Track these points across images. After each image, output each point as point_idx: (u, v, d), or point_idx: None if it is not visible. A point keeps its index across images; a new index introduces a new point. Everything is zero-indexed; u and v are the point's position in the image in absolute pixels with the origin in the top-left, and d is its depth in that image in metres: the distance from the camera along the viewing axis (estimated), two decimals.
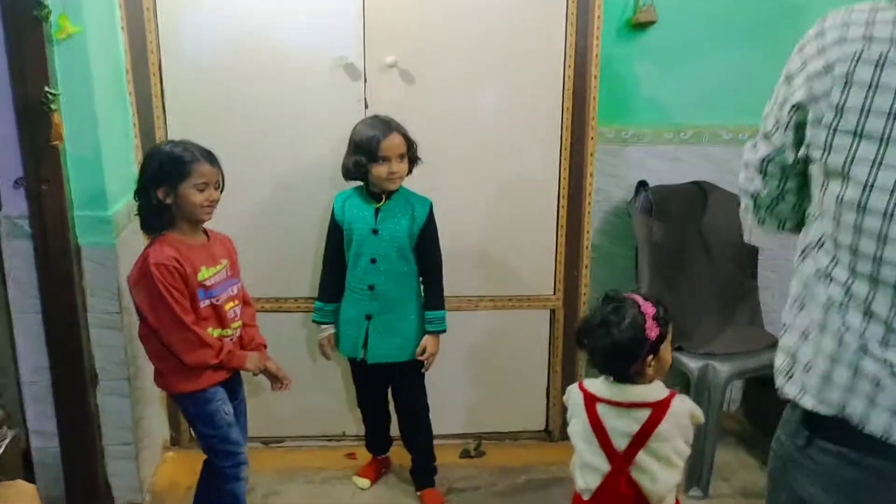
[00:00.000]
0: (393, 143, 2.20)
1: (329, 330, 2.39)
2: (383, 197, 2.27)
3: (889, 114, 0.87)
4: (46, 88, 1.95)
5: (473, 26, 2.45)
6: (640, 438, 1.67)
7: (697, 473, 2.53)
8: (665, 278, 2.66)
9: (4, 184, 2.08)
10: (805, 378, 0.99)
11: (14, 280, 2.15)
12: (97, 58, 2.11)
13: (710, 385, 2.46)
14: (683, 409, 1.71)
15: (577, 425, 1.76)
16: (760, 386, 2.75)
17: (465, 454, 2.75)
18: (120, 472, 2.37)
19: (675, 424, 1.68)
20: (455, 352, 2.65)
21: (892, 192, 0.88)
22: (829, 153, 0.93)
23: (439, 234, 2.36)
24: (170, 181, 1.90)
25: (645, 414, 1.67)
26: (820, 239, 0.98)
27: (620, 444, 1.68)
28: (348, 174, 2.26)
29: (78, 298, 2.18)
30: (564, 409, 2.61)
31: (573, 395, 1.79)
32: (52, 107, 1.96)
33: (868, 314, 0.92)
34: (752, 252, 2.78)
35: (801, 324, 1.01)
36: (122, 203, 2.27)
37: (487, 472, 2.66)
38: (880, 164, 0.88)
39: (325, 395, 2.74)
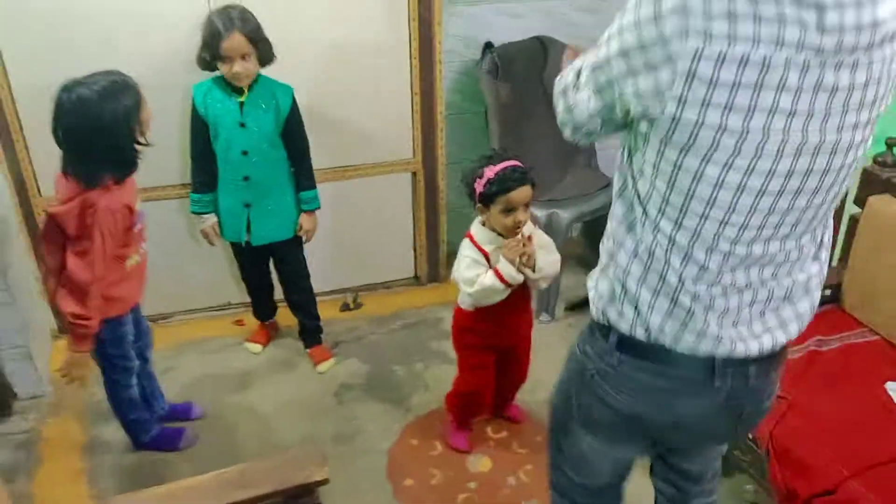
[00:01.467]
0: (233, 43, 2.19)
1: (211, 219, 2.48)
2: (244, 90, 2.30)
3: (724, 106, 0.98)
4: None
5: None
6: None
7: (545, 302, 2.95)
8: (514, 134, 2.90)
9: None
10: (627, 308, 1.21)
11: None
12: None
13: (555, 229, 2.82)
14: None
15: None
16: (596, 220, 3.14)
17: (345, 308, 3.04)
18: (18, 371, 2.49)
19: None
20: (328, 218, 2.83)
21: (724, 164, 1.03)
22: (673, 132, 1.03)
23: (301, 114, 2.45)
24: (134, 112, 1.88)
25: None
26: (648, 192, 1.13)
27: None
28: (204, 66, 2.27)
29: None
30: (431, 257, 2.95)
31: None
32: None
33: (687, 257, 1.13)
34: None
35: (623, 261, 1.20)
36: None
37: (366, 322, 2.98)
38: (716, 147, 1.02)
39: (207, 270, 2.88)
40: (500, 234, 2.02)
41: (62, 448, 2.37)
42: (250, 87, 2.31)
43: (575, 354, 1.38)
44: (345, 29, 2.60)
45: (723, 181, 1.05)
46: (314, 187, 2.52)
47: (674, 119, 1.02)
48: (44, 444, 2.38)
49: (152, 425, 2.32)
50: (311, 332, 2.77)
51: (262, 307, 2.80)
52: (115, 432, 2.39)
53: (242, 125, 2.32)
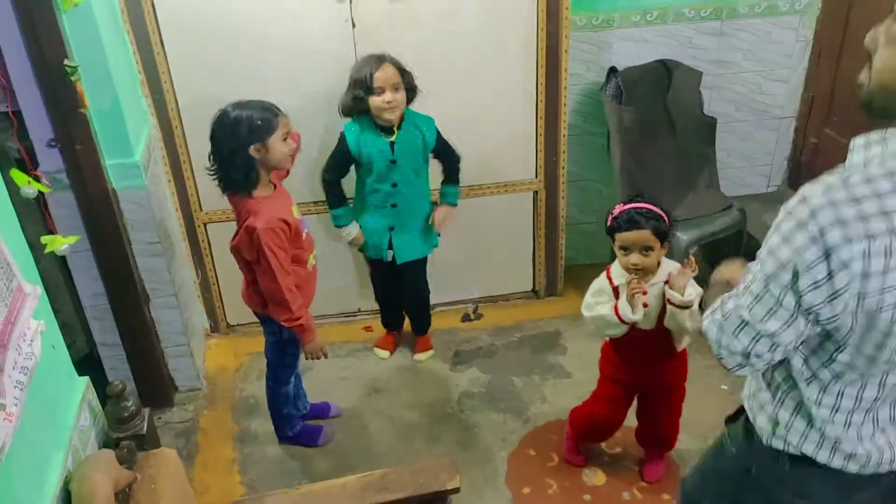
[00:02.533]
0: (386, 73, 2.39)
1: (355, 227, 2.68)
2: (394, 130, 2.50)
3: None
4: (66, 62, 2.10)
5: None
6: None
7: None
8: (635, 157, 2.97)
9: (38, 144, 2.28)
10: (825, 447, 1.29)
11: (61, 226, 2.41)
12: (102, 19, 2.22)
13: (673, 251, 2.86)
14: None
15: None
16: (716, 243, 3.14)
17: (466, 318, 3.21)
18: (179, 367, 2.80)
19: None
20: (454, 234, 3.01)
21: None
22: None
23: None
24: (261, 137, 2.05)
25: None
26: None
27: None
28: (348, 111, 2.48)
29: (123, 235, 2.46)
30: (549, 272, 3.06)
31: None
32: (74, 78, 2.12)
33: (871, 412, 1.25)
34: (712, 123, 3.08)
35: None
36: (142, 146, 2.48)
37: (486, 333, 3.13)
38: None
39: (339, 278, 3.12)
40: None
41: (216, 438, 2.66)
42: (399, 125, 2.50)
43: None
44: (477, 60, 2.76)
45: None
46: (457, 184, 2.73)
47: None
48: (201, 433, 2.68)
49: (297, 421, 2.57)
50: (420, 327, 3.02)
51: (392, 317, 3.02)
52: (261, 425, 2.66)
53: (393, 162, 2.53)
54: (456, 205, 2.76)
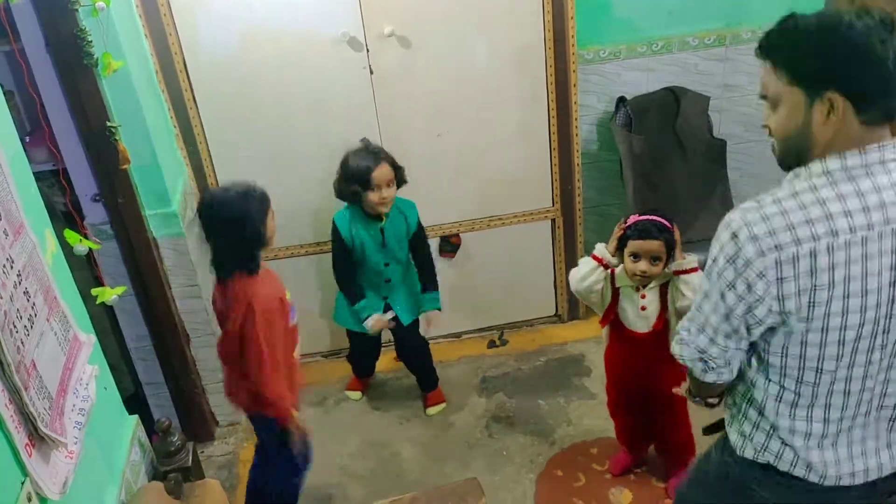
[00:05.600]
0: (382, 172, 2.56)
1: (389, 314, 2.79)
2: (383, 216, 2.65)
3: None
4: (108, 123, 2.28)
5: None
6: None
7: None
8: (647, 181, 3.07)
9: (84, 199, 2.46)
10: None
11: (107, 273, 2.58)
12: (139, 81, 2.40)
13: None
14: None
15: None
16: None
17: (492, 345, 3.32)
18: (219, 403, 2.94)
19: None
20: (475, 264, 3.14)
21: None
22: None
23: (449, 175, 2.76)
24: (260, 215, 2.08)
25: None
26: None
27: None
28: (343, 197, 2.63)
29: (163, 279, 2.62)
30: (571, 296, 3.17)
31: None
32: (116, 137, 2.30)
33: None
34: (722, 145, 3.17)
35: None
36: (179, 196, 2.65)
37: (512, 358, 3.23)
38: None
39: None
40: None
41: None
42: (386, 213, 2.65)
43: None
44: (489, 99, 2.89)
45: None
46: (437, 289, 2.84)
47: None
48: (241, 465, 2.81)
49: None
50: (427, 383, 3.03)
51: (363, 368, 3.11)
52: None
53: (384, 245, 2.69)
54: (440, 309, 2.84)
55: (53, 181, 2.49)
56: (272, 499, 2.35)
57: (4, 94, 1.62)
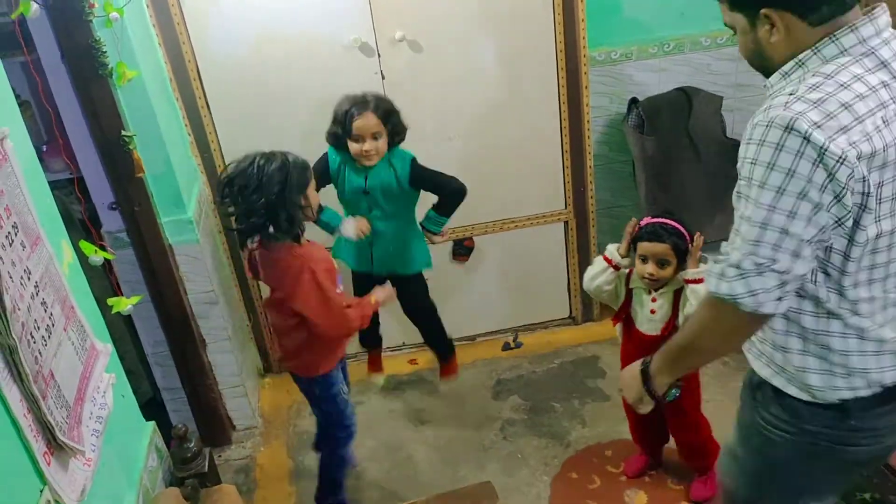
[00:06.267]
0: (366, 122, 2.39)
1: (350, 220, 2.57)
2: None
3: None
4: (123, 132, 2.30)
5: None
6: None
7: None
8: (659, 183, 3.06)
9: (101, 207, 2.49)
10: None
11: (123, 280, 2.61)
12: (154, 90, 2.43)
13: None
14: None
15: None
16: None
17: (507, 347, 3.32)
18: (236, 407, 2.96)
19: None
20: (489, 266, 3.14)
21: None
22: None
23: (462, 178, 2.70)
24: (301, 186, 2.05)
25: None
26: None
27: None
28: (327, 138, 2.53)
29: (179, 285, 2.65)
30: (585, 298, 3.16)
31: None
32: (131, 147, 2.32)
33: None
34: (735, 145, 3.14)
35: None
36: (194, 203, 2.67)
37: (527, 360, 3.23)
38: None
39: (383, 314, 3.24)
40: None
41: (274, 473, 2.81)
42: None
43: (784, 437, 1.48)
44: (500, 101, 2.90)
45: None
46: (442, 212, 2.64)
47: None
48: (258, 469, 2.83)
49: (344, 494, 2.55)
50: (440, 349, 2.97)
51: (371, 335, 3.02)
52: (315, 460, 2.78)
53: (366, 192, 2.55)
54: (436, 232, 2.68)
55: (71, 189, 2.53)
56: (336, 472, 2.50)
57: (21, 104, 1.65)
